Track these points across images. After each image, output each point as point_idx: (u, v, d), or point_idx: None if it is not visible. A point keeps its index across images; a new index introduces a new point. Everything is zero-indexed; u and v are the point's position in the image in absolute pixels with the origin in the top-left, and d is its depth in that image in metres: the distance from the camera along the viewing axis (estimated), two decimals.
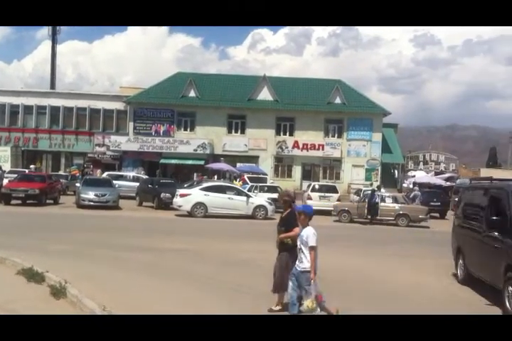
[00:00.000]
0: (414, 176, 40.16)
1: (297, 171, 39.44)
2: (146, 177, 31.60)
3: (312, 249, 6.44)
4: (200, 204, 21.62)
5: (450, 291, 9.56)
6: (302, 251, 6.52)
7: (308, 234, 6.52)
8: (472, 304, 8.42)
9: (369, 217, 22.86)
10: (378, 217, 22.90)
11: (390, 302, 8.32)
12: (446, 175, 42.36)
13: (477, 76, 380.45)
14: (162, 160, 38.01)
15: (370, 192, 23.71)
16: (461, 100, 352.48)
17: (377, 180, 38.16)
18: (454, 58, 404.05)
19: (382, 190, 25.84)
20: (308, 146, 38.96)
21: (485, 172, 47.14)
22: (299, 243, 6.63)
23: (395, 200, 23.75)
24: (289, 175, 39.42)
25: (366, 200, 22.98)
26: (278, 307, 7.11)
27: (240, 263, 11.20)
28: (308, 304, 6.25)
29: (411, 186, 35.48)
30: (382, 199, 23.28)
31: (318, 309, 6.34)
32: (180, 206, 22.12)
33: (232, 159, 37.35)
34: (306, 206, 6.94)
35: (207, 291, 8.34)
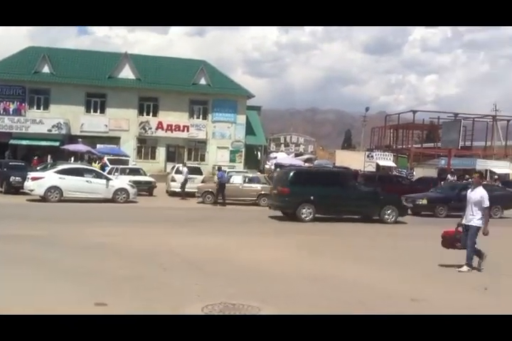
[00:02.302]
0: (276, 157, 41.64)
1: (161, 153, 38.69)
2: None
3: None
4: (54, 188, 20.35)
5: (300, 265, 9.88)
6: None
7: None
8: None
9: (219, 198, 22.87)
10: (241, 198, 23.26)
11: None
12: (305, 156, 44.63)
13: (335, 62, 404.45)
14: (12, 141, 34.88)
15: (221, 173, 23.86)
16: (321, 84, 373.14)
17: (241, 162, 38.86)
18: (314, 43, 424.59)
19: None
20: (173, 127, 38.33)
21: (340, 153, 50.24)
22: None
23: (258, 181, 24.27)
24: (153, 157, 38.58)
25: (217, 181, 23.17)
26: None
27: (95, 248, 10.63)
28: None
29: (273, 167, 36.67)
30: (245, 181, 23.73)
31: None
32: (32, 190, 20.64)
33: (91, 140, 35.37)
34: None
35: (56, 277, 7.92)
